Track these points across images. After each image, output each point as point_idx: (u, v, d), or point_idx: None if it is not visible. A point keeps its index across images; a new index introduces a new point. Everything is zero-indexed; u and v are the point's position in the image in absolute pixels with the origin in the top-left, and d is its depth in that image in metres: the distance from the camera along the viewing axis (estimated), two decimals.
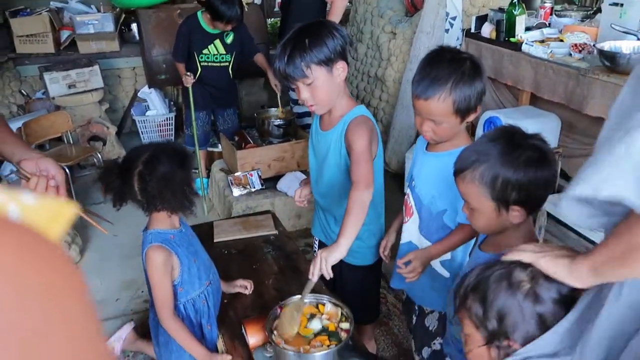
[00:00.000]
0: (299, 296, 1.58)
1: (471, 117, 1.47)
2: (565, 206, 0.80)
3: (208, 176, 3.81)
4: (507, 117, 2.80)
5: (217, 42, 3.46)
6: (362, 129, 1.64)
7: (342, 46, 1.59)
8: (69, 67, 4.43)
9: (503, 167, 1.12)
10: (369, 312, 2.10)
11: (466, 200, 1.23)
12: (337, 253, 1.47)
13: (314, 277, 1.48)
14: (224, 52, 3.51)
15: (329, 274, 1.45)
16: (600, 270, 0.84)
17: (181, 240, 1.62)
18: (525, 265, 0.97)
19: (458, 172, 1.21)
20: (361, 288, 2.01)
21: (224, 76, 3.58)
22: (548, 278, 0.95)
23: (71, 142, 4.02)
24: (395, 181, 3.99)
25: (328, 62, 1.57)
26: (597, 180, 0.72)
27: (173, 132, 5.01)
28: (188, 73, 3.42)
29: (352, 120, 1.67)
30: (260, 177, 3.24)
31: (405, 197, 1.74)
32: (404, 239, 1.77)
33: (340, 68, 1.61)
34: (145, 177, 1.47)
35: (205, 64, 3.50)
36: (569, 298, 0.95)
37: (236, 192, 3.17)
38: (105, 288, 2.79)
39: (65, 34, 4.92)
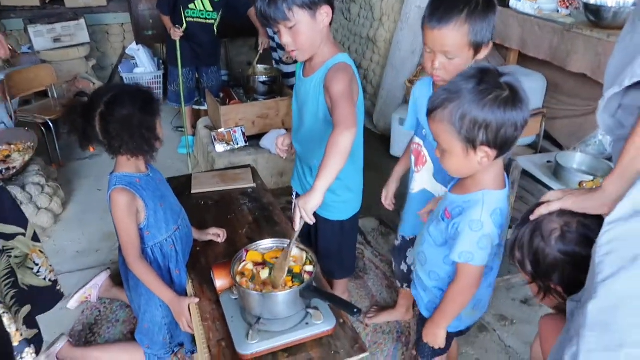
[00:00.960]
0: (265, 241, 1.59)
1: (482, 54, 1.43)
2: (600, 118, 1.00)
3: (194, 134, 3.79)
4: None
5: None
6: (341, 74, 1.58)
7: None
8: (54, 21, 4.34)
9: (471, 105, 1.09)
10: (343, 267, 2.12)
11: (437, 141, 1.21)
12: (314, 200, 1.43)
13: (296, 227, 1.46)
14: (211, 10, 3.44)
15: (311, 220, 1.44)
16: (625, 170, 0.98)
17: (147, 184, 1.62)
18: (556, 216, 1.09)
19: (429, 112, 1.19)
20: (336, 243, 2.01)
21: (209, 33, 3.52)
22: (579, 222, 1.06)
23: (56, 97, 3.98)
24: (382, 143, 3.98)
25: (312, 6, 1.51)
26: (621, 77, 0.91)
27: (162, 90, 4.95)
28: (177, 26, 3.36)
29: (332, 66, 1.62)
30: (244, 133, 3.22)
31: (415, 146, 1.70)
32: (416, 187, 1.74)
33: (325, 13, 1.55)
34: (106, 118, 1.45)
35: (191, 19, 3.43)
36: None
37: (219, 148, 3.15)
38: (86, 239, 2.80)
39: None
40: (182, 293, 1.75)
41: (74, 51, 4.43)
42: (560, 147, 3.00)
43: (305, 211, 1.43)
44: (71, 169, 3.63)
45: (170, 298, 1.66)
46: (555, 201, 1.09)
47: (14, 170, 2.93)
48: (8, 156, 3.07)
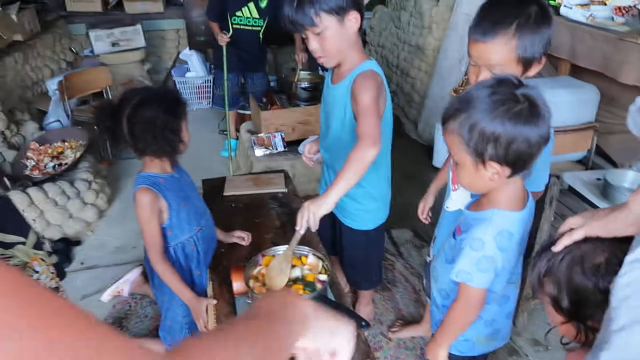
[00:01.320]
0: (283, 247, 1.58)
1: (533, 70, 1.31)
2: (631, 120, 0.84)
3: (238, 138, 3.86)
4: (541, 84, 2.63)
5: (252, 5, 3.45)
6: (369, 82, 1.57)
7: None
8: (113, 26, 4.57)
9: (481, 116, 1.02)
10: (368, 277, 2.07)
11: (450, 153, 1.16)
12: (324, 205, 1.45)
13: (301, 229, 1.48)
14: (257, 17, 3.50)
15: (315, 226, 1.44)
16: None
17: (171, 185, 1.65)
18: (596, 246, 0.93)
19: (443, 122, 1.13)
20: (361, 253, 1.97)
21: (255, 40, 3.58)
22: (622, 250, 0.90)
23: (111, 98, 4.17)
24: (426, 153, 3.89)
25: (339, 11, 1.49)
26: None
27: (211, 94, 5.09)
28: (224, 32, 3.44)
29: (359, 74, 1.60)
30: (283, 139, 3.23)
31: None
32: (452, 206, 1.66)
33: (353, 19, 1.53)
34: (131, 120, 1.49)
35: (238, 26, 3.50)
36: None
37: (258, 152, 3.19)
38: (126, 236, 2.91)
39: None
40: (203, 294, 1.77)
41: (131, 55, 4.64)
42: (614, 163, 2.81)
43: (312, 216, 1.43)
44: (120, 167, 3.78)
45: (189, 298, 1.68)
46: (578, 229, 0.96)
47: (66, 166, 3.09)
48: (62, 153, 3.25)
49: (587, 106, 2.68)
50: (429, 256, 1.92)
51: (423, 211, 1.88)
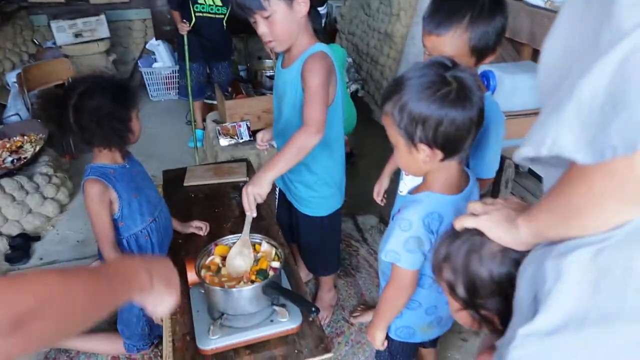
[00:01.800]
0: (235, 235, 1.56)
1: (488, 60, 1.31)
2: (520, 162, 0.71)
3: (204, 128, 3.81)
4: (501, 72, 2.64)
5: None
6: (318, 64, 1.55)
7: None
8: (75, 16, 4.44)
9: (411, 97, 1.01)
10: (326, 264, 2.07)
11: (389, 137, 1.15)
12: (257, 187, 1.50)
13: (252, 212, 1.52)
14: (220, 4, 3.43)
15: (252, 211, 1.50)
16: (540, 232, 0.73)
17: (122, 176, 1.61)
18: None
19: (381, 104, 1.12)
20: (317, 239, 1.97)
21: (218, 28, 3.52)
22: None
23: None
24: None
25: None
26: (537, 138, 0.62)
27: (178, 84, 5.01)
28: (184, 21, 3.37)
29: (310, 55, 1.59)
30: (249, 128, 3.19)
31: None
32: (405, 190, 1.66)
33: (302, 2, 1.51)
34: (78, 109, 1.45)
35: (200, 14, 3.43)
36: None
37: (223, 142, 3.15)
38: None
39: None
40: None
41: (94, 46, 4.52)
42: None
43: (259, 197, 1.47)
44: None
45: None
46: (472, 217, 0.87)
47: (25, 161, 3.00)
48: (20, 147, 3.16)
49: None
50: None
51: (378, 194, 1.89)
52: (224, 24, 3.51)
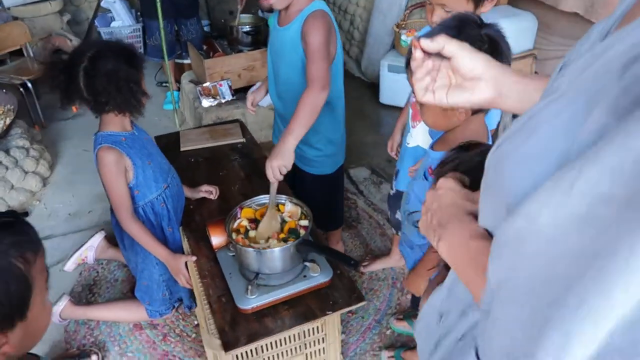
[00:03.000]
0: (258, 197, 1.59)
1: (486, 7, 1.35)
2: None
3: (179, 89, 3.70)
4: (484, 19, 2.69)
5: None
6: (318, 23, 1.57)
7: None
8: None
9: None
10: (332, 219, 2.14)
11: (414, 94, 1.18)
12: (281, 159, 1.52)
13: (276, 182, 1.55)
14: None
15: (281, 177, 1.54)
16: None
17: (133, 142, 1.59)
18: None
19: (407, 64, 1.15)
20: (323, 196, 2.02)
21: None
22: None
23: (32, 56, 3.82)
24: (371, 91, 3.92)
25: None
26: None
27: (142, 44, 4.78)
28: None
29: (309, 14, 1.59)
30: (230, 87, 3.14)
31: (414, 100, 1.66)
32: (411, 142, 1.71)
33: None
34: (90, 73, 1.41)
35: None
36: None
37: (205, 103, 3.09)
38: (77, 201, 2.78)
39: None
40: (177, 250, 1.77)
41: (46, 6, 4.22)
42: None
43: (284, 169, 1.51)
44: (54, 130, 3.54)
45: (165, 256, 1.67)
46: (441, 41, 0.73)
47: None
48: None
49: (526, 35, 2.78)
50: (392, 189, 2.00)
51: (392, 148, 1.94)
52: None
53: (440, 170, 0.90)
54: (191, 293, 1.86)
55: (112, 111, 1.49)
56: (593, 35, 0.53)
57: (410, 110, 1.72)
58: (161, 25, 3.21)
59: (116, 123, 1.57)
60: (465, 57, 0.72)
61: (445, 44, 0.72)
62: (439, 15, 1.37)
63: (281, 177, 1.56)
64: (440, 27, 1.09)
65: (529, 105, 0.68)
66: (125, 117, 1.57)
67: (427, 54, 0.75)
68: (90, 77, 1.41)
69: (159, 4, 3.09)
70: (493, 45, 1.05)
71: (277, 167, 1.53)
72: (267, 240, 1.45)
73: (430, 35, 1.10)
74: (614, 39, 0.41)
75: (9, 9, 4.13)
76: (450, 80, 0.75)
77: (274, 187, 1.55)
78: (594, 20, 2.15)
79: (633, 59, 0.36)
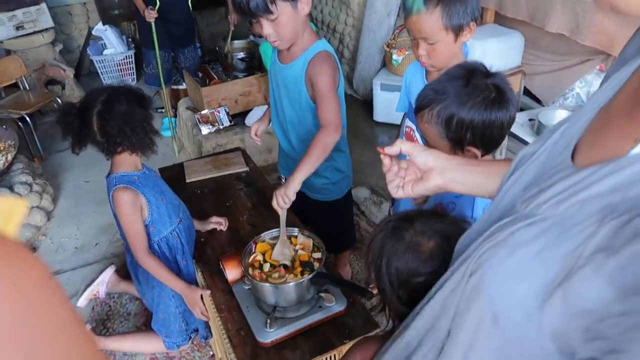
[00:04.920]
0: (271, 231, 1.64)
1: (465, 36, 1.41)
2: None
3: (175, 115, 3.75)
4: (472, 38, 2.78)
5: None
6: (326, 65, 1.62)
7: None
8: (13, 7, 4.14)
9: (458, 107, 1.10)
10: (344, 240, 2.19)
11: (425, 138, 1.24)
12: (292, 186, 1.59)
13: (282, 210, 1.60)
14: None
15: (290, 202, 1.60)
16: None
17: (146, 181, 1.65)
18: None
19: (417, 110, 1.20)
20: (334, 221, 2.08)
21: (183, 10, 3.41)
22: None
23: (27, 88, 3.86)
24: (364, 108, 3.99)
25: None
26: None
27: (134, 70, 4.83)
28: (150, 7, 3.23)
29: (314, 56, 1.64)
30: (228, 113, 3.20)
31: (407, 129, 1.72)
32: None
33: (305, 2, 1.55)
34: (104, 116, 1.47)
35: None
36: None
37: (204, 130, 3.14)
38: (83, 234, 2.81)
39: None
40: (192, 282, 1.81)
41: (39, 37, 4.26)
42: (538, 102, 3.07)
43: (285, 197, 1.57)
44: (54, 161, 3.57)
45: (182, 288, 1.72)
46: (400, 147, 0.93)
47: None
48: None
49: (514, 52, 2.87)
50: (390, 214, 2.06)
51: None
52: (190, 5, 3.40)
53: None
54: (207, 324, 1.91)
55: (126, 151, 1.55)
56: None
57: (404, 140, 1.78)
58: (157, 55, 3.26)
59: (129, 163, 1.62)
60: (418, 154, 0.90)
61: (401, 146, 0.92)
62: (423, 49, 1.43)
63: (285, 205, 1.61)
64: (448, 78, 1.16)
65: (477, 188, 0.88)
66: (137, 157, 1.62)
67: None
68: (104, 120, 1.47)
69: (155, 35, 3.15)
70: (500, 94, 1.11)
71: (280, 195, 1.59)
72: (281, 266, 1.51)
73: (438, 84, 1.17)
74: (598, 172, 0.44)
75: (1, 42, 4.17)
76: (416, 174, 0.93)
77: (283, 215, 1.61)
78: (579, 40, 2.24)
79: (610, 209, 0.41)
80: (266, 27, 1.55)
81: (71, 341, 0.28)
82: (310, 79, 1.65)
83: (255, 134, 2.09)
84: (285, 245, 1.56)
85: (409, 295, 0.92)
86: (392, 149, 0.92)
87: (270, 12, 1.50)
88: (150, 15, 3.17)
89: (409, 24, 1.42)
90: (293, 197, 1.60)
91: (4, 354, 0.24)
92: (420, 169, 0.91)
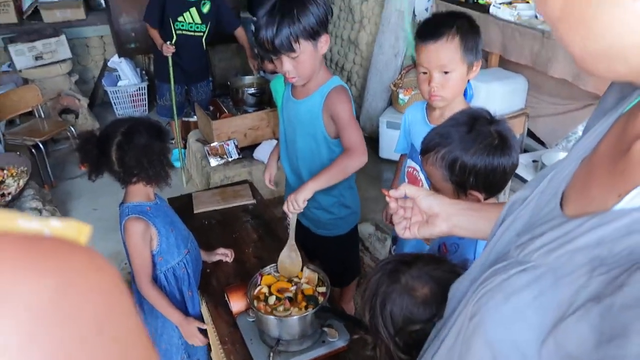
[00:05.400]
0: (274, 265, 1.67)
1: (473, 73, 1.49)
2: None
3: (185, 147, 3.82)
4: (477, 81, 2.85)
5: (193, 10, 3.38)
6: (344, 96, 1.69)
7: (325, 17, 1.58)
8: (34, 38, 4.30)
9: (462, 152, 1.14)
10: (349, 274, 2.21)
11: (430, 180, 1.29)
12: (303, 192, 1.62)
13: (291, 213, 1.66)
14: (200, 22, 3.43)
15: (300, 208, 1.63)
16: None
17: (157, 212, 1.68)
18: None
19: (422, 153, 1.25)
20: (338, 255, 2.09)
21: (198, 47, 3.53)
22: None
23: (42, 116, 3.96)
24: (370, 145, 4.05)
25: (315, 36, 1.56)
26: None
27: (146, 102, 4.95)
28: (170, 43, 3.35)
29: (331, 89, 1.70)
30: (236, 146, 3.27)
31: (410, 170, 1.76)
32: None
33: (324, 41, 1.61)
34: (123, 147, 1.51)
35: (181, 32, 3.42)
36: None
37: (213, 162, 3.20)
38: None
39: (27, 2, 4.75)
40: (197, 314, 1.82)
41: (56, 68, 4.40)
42: (542, 144, 3.13)
43: (295, 202, 1.60)
44: (63, 189, 3.63)
45: (178, 320, 1.73)
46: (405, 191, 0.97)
47: (10, 197, 2.94)
48: (2, 182, 3.08)
49: (518, 95, 2.95)
50: (391, 252, 2.08)
51: (387, 218, 2.04)
52: (204, 43, 3.53)
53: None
54: (209, 356, 1.91)
55: (141, 182, 1.59)
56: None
57: (406, 180, 1.80)
58: (172, 88, 3.36)
59: (142, 193, 1.66)
60: (423, 199, 0.95)
61: (405, 190, 0.96)
62: (437, 80, 1.47)
63: (294, 210, 1.64)
64: (453, 123, 1.21)
65: (479, 232, 0.92)
66: (150, 188, 1.66)
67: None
68: (123, 150, 1.51)
69: (171, 70, 3.26)
70: (503, 141, 1.15)
71: (290, 200, 1.62)
72: (292, 282, 1.55)
73: (443, 128, 1.22)
74: (585, 224, 0.47)
75: (20, 71, 4.30)
76: (422, 216, 0.97)
77: (292, 220, 1.64)
78: (581, 86, 2.31)
79: (598, 261, 0.44)
80: (286, 64, 1.61)
81: (138, 348, 0.29)
82: (330, 112, 1.70)
83: (269, 181, 2.15)
84: (292, 249, 1.60)
85: (406, 344, 0.94)
86: (397, 192, 0.97)
87: (293, 50, 1.55)
88: (168, 50, 3.29)
89: (426, 52, 1.47)
90: (303, 205, 1.63)
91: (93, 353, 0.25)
92: (424, 212, 0.96)
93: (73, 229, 0.28)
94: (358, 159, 1.64)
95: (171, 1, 3.33)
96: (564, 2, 0.45)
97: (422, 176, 1.73)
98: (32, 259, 0.24)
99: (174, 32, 3.37)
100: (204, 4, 3.38)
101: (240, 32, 3.55)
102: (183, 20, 3.38)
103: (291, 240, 1.61)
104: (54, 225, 0.27)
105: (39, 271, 0.24)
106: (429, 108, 1.64)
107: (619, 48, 0.43)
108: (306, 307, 1.50)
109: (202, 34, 3.48)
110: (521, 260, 0.53)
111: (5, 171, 3.15)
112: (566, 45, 0.46)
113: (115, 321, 0.27)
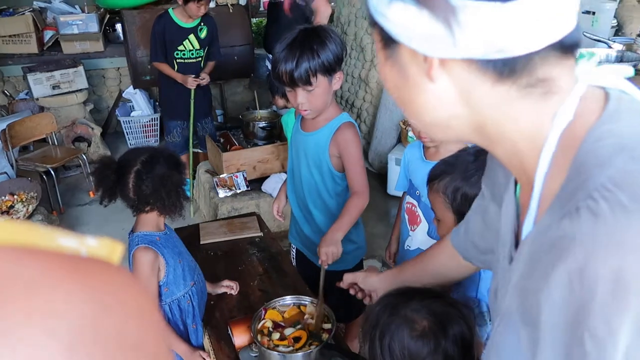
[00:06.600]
0: (282, 298, 1.65)
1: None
2: None
3: (193, 178, 3.85)
4: None
5: (192, 37, 3.47)
6: (353, 134, 1.73)
7: (341, 54, 1.64)
8: (52, 68, 4.42)
9: (464, 180, 1.17)
10: (355, 309, 2.17)
11: (433, 209, 1.29)
12: (333, 247, 1.71)
13: (325, 265, 1.73)
14: (198, 47, 3.52)
15: (339, 255, 1.73)
16: None
17: (166, 242, 1.68)
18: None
19: (428, 181, 1.27)
20: (345, 290, 2.07)
21: (198, 72, 3.60)
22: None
23: (56, 143, 4.02)
24: (377, 181, 4.07)
25: (331, 72, 1.61)
26: None
27: (158, 132, 5.02)
28: (201, 76, 3.46)
29: (341, 125, 1.73)
30: (245, 178, 3.29)
31: (409, 206, 1.78)
32: (413, 245, 1.81)
33: (338, 77, 1.66)
34: (142, 175, 1.53)
35: (182, 60, 3.50)
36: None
37: (222, 193, 3.21)
38: None
39: (48, 34, 4.90)
40: (200, 346, 1.79)
41: (72, 97, 4.50)
42: None
43: (332, 254, 1.69)
44: (72, 215, 3.65)
45: (183, 351, 1.71)
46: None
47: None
48: (12, 207, 3.10)
49: None
50: None
51: (390, 257, 2.04)
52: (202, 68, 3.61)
53: None
54: None
55: (155, 211, 1.60)
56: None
57: (406, 216, 1.82)
58: (191, 121, 3.44)
59: (153, 223, 1.66)
60: (362, 282, 1.34)
61: (345, 280, 1.40)
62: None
63: (337, 257, 1.72)
64: (461, 152, 1.24)
65: (427, 278, 1.11)
66: (162, 218, 1.67)
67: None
68: (141, 179, 1.53)
69: (192, 102, 3.33)
70: None
71: (330, 254, 1.69)
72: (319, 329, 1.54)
73: (450, 157, 1.23)
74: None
75: (37, 99, 4.40)
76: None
77: (323, 275, 1.68)
78: None
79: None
80: (300, 96, 1.64)
81: None
82: (339, 147, 1.73)
83: (278, 213, 2.17)
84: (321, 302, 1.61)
85: None
86: (343, 284, 1.36)
87: (310, 84, 1.59)
88: (193, 83, 3.38)
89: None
90: (339, 252, 1.74)
91: None
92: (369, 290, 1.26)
93: (108, 248, 0.29)
94: (365, 201, 1.74)
95: (170, 33, 3.41)
96: (394, 88, 0.57)
97: (420, 211, 1.74)
98: (76, 279, 0.25)
99: (175, 62, 3.45)
100: (201, 29, 3.46)
101: (210, 65, 3.64)
102: (183, 48, 3.45)
103: (321, 291, 1.66)
104: (91, 244, 0.28)
105: (84, 291, 0.25)
106: (426, 145, 1.68)
107: (440, 119, 0.55)
108: (310, 344, 1.48)
109: (200, 59, 3.56)
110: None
111: (15, 196, 3.18)
112: (408, 118, 0.60)
113: (150, 342, 0.28)
